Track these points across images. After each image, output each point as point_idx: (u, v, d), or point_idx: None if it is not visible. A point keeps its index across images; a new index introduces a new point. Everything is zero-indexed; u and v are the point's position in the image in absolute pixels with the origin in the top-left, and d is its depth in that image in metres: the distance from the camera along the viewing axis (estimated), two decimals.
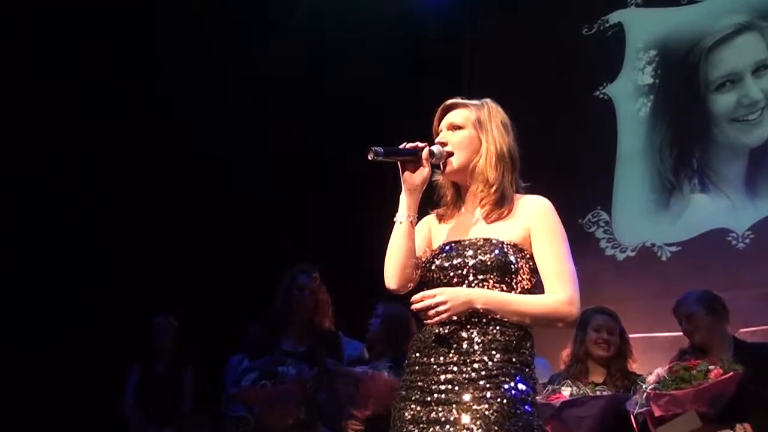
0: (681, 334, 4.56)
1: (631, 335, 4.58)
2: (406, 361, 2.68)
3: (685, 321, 4.39)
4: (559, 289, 2.59)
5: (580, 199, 6.16)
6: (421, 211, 2.80)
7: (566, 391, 4.12)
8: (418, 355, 2.63)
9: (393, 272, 2.69)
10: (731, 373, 3.75)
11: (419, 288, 2.70)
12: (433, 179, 2.76)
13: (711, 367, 3.79)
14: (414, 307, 2.60)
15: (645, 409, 3.85)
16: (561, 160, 6.06)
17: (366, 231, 5.76)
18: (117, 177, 6.37)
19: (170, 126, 6.35)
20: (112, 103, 6.30)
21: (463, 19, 6.75)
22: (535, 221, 2.66)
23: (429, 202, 2.83)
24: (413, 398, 2.60)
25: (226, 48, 6.29)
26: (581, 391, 4.12)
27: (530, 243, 2.64)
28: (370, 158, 2.63)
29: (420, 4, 6.61)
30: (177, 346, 5.86)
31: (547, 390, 4.16)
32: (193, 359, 5.82)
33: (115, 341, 5.89)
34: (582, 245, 5.89)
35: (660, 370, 3.84)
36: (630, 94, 6.23)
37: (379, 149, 2.64)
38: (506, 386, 2.51)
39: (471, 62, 6.72)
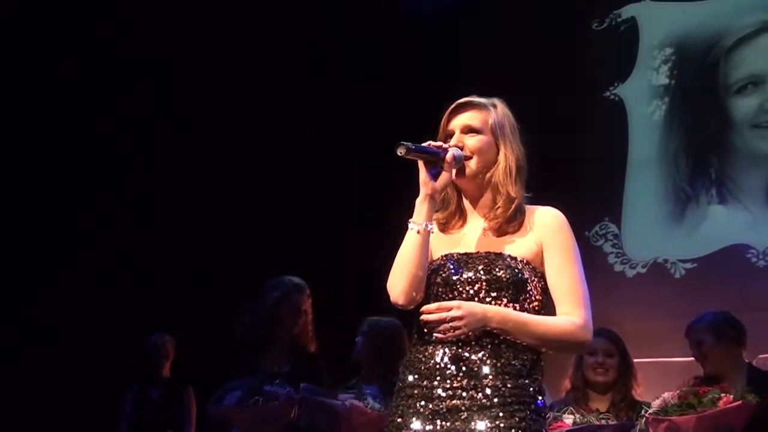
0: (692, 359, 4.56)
1: (641, 360, 4.60)
2: (399, 384, 2.61)
3: (695, 348, 4.42)
4: (573, 312, 2.57)
5: (587, 210, 6.08)
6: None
7: (569, 419, 4.08)
8: (416, 377, 2.56)
9: (403, 286, 2.60)
10: (740, 402, 3.70)
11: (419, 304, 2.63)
12: None
13: (722, 394, 3.76)
14: (425, 317, 2.53)
15: None
16: (566, 166, 6.03)
17: (357, 241, 6.03)
18: (112, 191, 6.46)
19: (167, 139, 6.50)
20: (100, 124, 6.45)
21: (460, 11, 6.75)
22: (548, 236, 2.63)
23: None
24: (412, 426, 2.53)
25: (223, 48, 6.44)
26: (585, 419, 4.06)
27: (542, 260, 2.62)
28: (400, 153, 2.55)
29: (415, 1, 6.65)
30: (174, 367, 5.84)
31: (548, 418, 4.07)
32: (192, 379, 5.78)
33: (106, 363, 5.93)
34: (588, 260, 5.74)
35: (667, 395, 3.82)
36: (643, 95, 6.21)
37: (410, 144, 2.57)
38: (521, 415, 2.48)
39: (468, 59, 6.69)
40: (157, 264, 6.38)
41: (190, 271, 6.38)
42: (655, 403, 3.85)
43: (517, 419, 2.46)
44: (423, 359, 2.56)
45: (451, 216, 2.73)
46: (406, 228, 2.64)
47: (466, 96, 2.74)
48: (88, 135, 6.39)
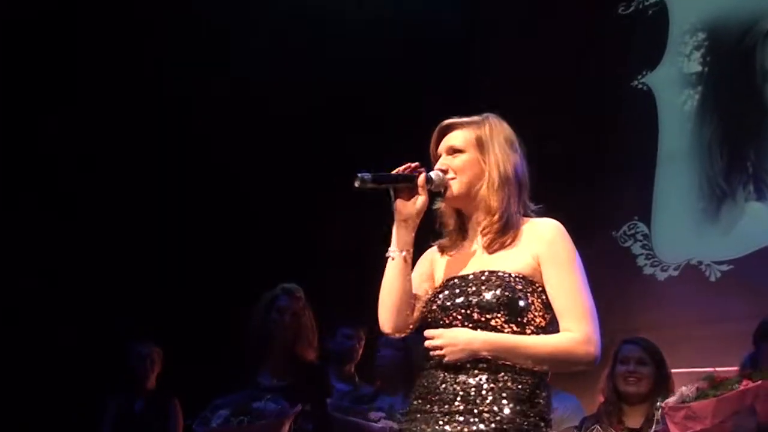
0: (734, 369, 4.53)
1: (672, 370, 4.56)
2: (408, 408, 2.74)
3: None
4: (573, 327, 2.65)
5: (615, 209, 6.16)
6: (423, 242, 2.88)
7: None
8: (420, 401, 2.69)
9: (387, 315, 2.77)
10: (759, 383, 3.70)
11: (421, 330, 2.76)
12: (434, 206, 2.83)
13: (739, 379, 3.77)
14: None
15: (661, 427, 3.91)
16: (592, 163, 6.09)
17: (364, 250, 5.95)
18: (94, 192, 6.53)
19: (160, 145, 6.64)
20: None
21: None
22: (543, 249, 2.71)
23: (429, 231, 2.89)
24: None
25: (226, 49, 6.63)
26: None
27: (540, 274, 2.70)
28: (356, 186, 2.70)
29: None
30: (159, 378, 5.85)
31: None
32: (178, 392, 5.78)
33: (87, 373, 5.97)
34: (616, 262, 6.05)
35: (685, 389, 3.84)
36: (674, 84, 6.21)
37: (367, 175, 2.70)
38: None
39: (484, 50, 6.70)
40: (146, 271, 6.43)
41: (180, 280, 6.42)
42: (672, 399, 3.86)
43: None
44: (426, 384, 2.69)
45: (451, 239, 2.85)
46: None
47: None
48: (69, 136, 6.48)
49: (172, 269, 6.49)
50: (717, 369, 4.72)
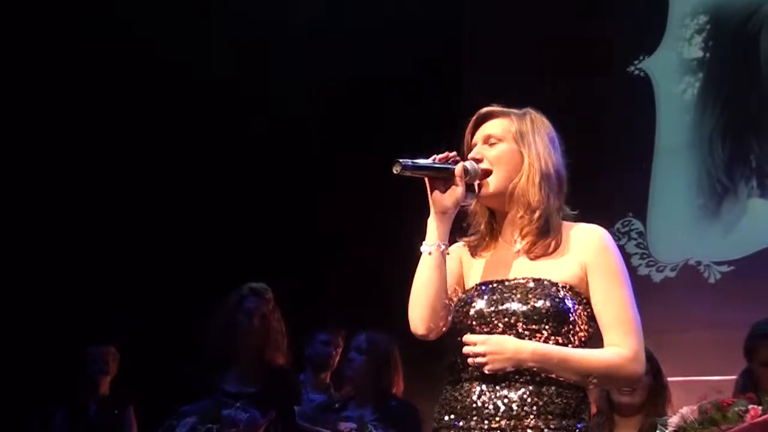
0: (734, 377, 4.65)
1: (669, 379, 4.51)
2: (434, 425, 2.71)
3: None
4: (621, 343, 2.63)
5: (608, 204, 6.04)
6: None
7: None
8: (452, 417, 2.65)
9: (421, 314, 2.69)
10: None
11: (450, 336, 2.72)
12: (463, 204, 2.78)
13: (750, 406, 3.61)
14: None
15: None
16: (584, 154, 5.77)
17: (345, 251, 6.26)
18: (54, 187, 6.60)
19: (127, 140, 6.71)
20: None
21: None
22: (592, 258, 2.68)
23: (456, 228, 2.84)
24: None
25: (226, 49, 6.75)
26: None
27: (587, 284, 2.68)
28: (395, 172, 2.65)
29: None
30: (114, 381, 5.82)
31: None
32: (133, 397, 5.78)
33: (35, 375, 5.96)
34: None
35: (686, 410, 3.70)
36: (673, 70, 6.23)
37: (407, 162, 2.65)
38: None
39: (475, 27, 6.68)
40: (103, 269, 6.44)
41: (140, 277, 6.43)
42: (673, 421, 3.72)
43: None
44: (459, 397, 2.64)
45: (481, 238, 2.80)
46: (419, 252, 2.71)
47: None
48: (34, 128, 6.54)
49: (141, 270, 6.48)
50: (715, 378, 4.88)
